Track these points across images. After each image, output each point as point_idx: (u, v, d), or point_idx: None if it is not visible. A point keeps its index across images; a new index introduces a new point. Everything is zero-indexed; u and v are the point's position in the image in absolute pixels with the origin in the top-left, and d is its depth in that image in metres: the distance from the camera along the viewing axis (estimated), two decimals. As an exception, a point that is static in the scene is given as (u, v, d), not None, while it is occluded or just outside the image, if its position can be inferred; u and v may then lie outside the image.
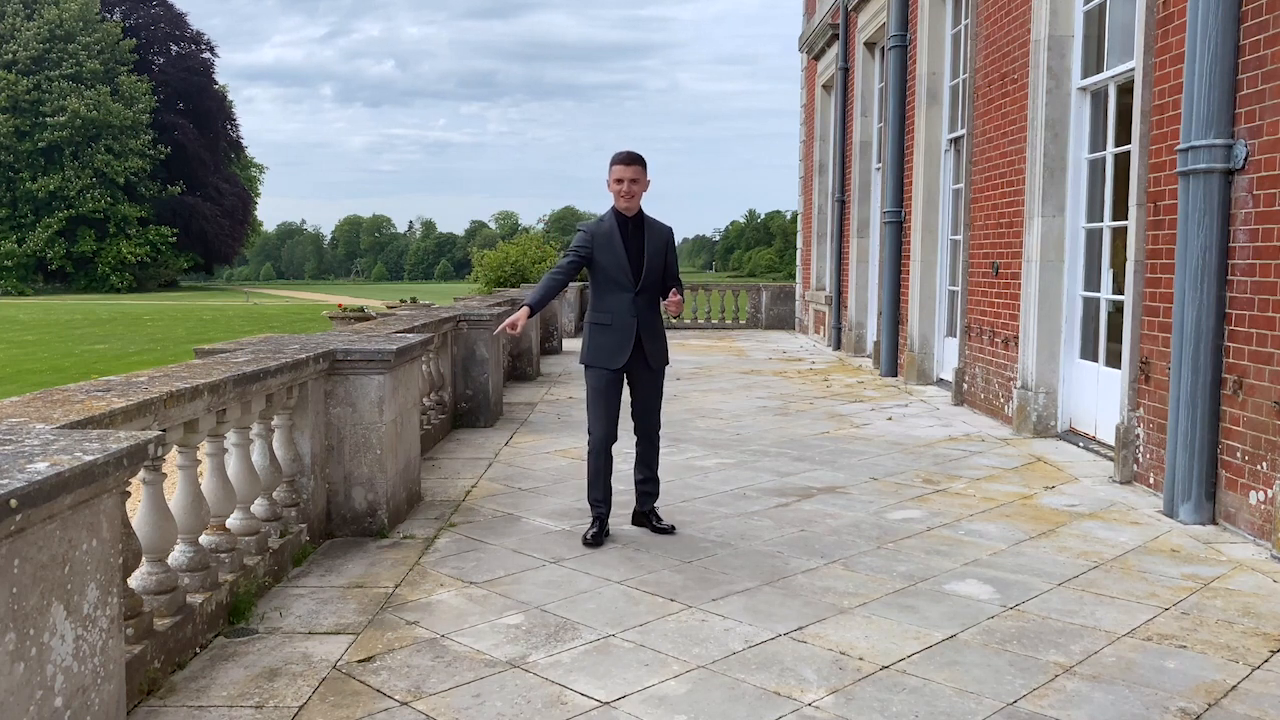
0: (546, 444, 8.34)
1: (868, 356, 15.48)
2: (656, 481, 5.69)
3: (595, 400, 5.41)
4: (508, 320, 5.22)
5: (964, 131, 10.78)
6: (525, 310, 5.25)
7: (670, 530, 5.52)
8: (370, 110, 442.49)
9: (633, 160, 5.38)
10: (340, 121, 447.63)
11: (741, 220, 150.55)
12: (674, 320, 6.28)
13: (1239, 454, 5.60)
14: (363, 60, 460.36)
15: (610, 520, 5.54)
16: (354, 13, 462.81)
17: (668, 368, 5.75)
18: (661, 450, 5.92)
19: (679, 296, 5.47)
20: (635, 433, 5.55)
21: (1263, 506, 5.35)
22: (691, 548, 5.32)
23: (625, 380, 5.50)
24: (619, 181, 5.36)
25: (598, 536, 5.34)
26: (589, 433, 5.45)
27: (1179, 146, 5.91)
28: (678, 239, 5.78)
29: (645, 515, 5.64)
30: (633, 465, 5.68)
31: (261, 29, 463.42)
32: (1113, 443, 7.31)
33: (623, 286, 5.36)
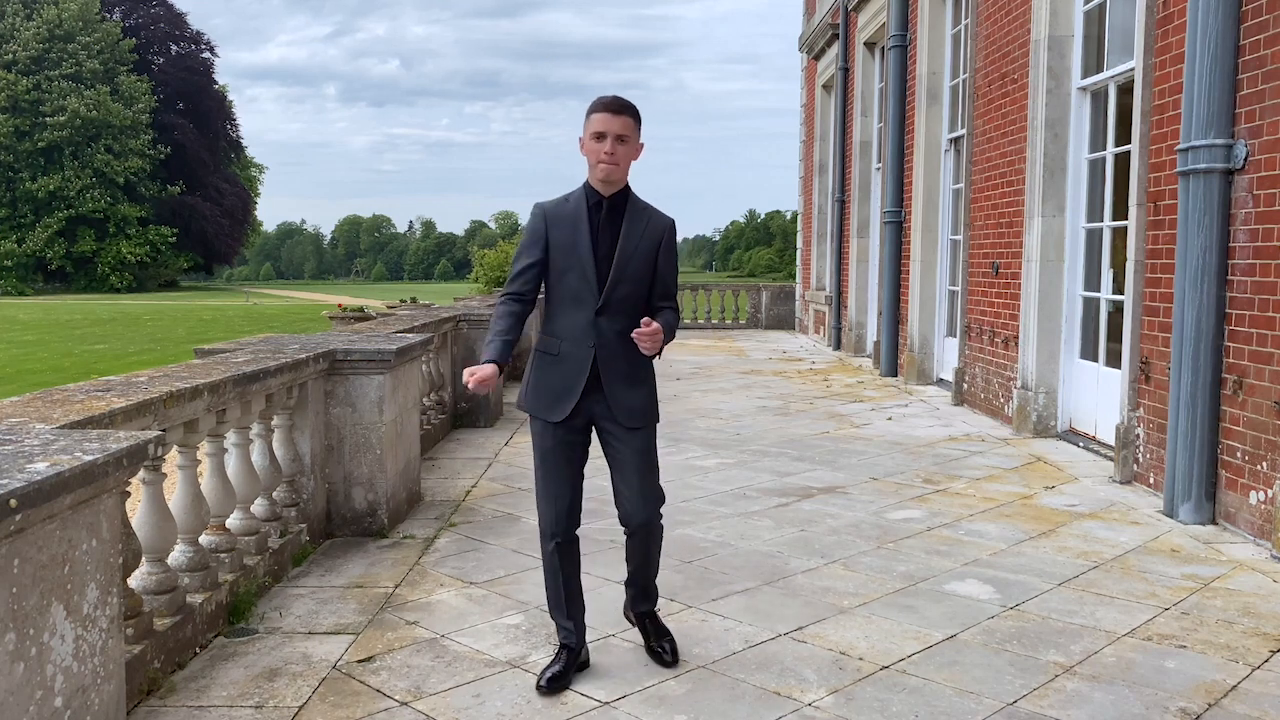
0: (546, 444, 8.33)
1: (868, 356, 15.48)
2: (649, 591, 3.91)
3: (540, 464, 3.69)
4: (477, 376, 3.49)
5: (964, 131, 10.78)
6: (491, 366, 3.55)
7: (672, 659, 3.78)
8: (373, 110, 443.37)
9: (621, 108, 3.56)
10: (343, 121, 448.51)
11: (741, 220, 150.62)
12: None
13: (1239, 454, 5.59)
14: (367, 60, 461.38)
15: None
16: (359, 12, 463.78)
17: (660, 403, 3.92)
18: (662, 450, 4.35)
19: (654, 325, 3.49)
20: (620, 520, 3.78)
21: (1263, 506, 5.35)
22: (691, 548, 5.31)
23: (589, 440, 3.74)
24: (598, 137, 3.53)
25: (557, 679, 3.60)
26: (539, 514, 3.74)
27: (1179, 146, 5.91)
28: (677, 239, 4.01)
29: (640, 622, 3.93)
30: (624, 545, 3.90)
31: (265, 28, 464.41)
32: (1113, 443, 7.31)
33: (580, 301, 3.60)
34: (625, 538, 3.82)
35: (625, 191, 3.67)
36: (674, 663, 3.75)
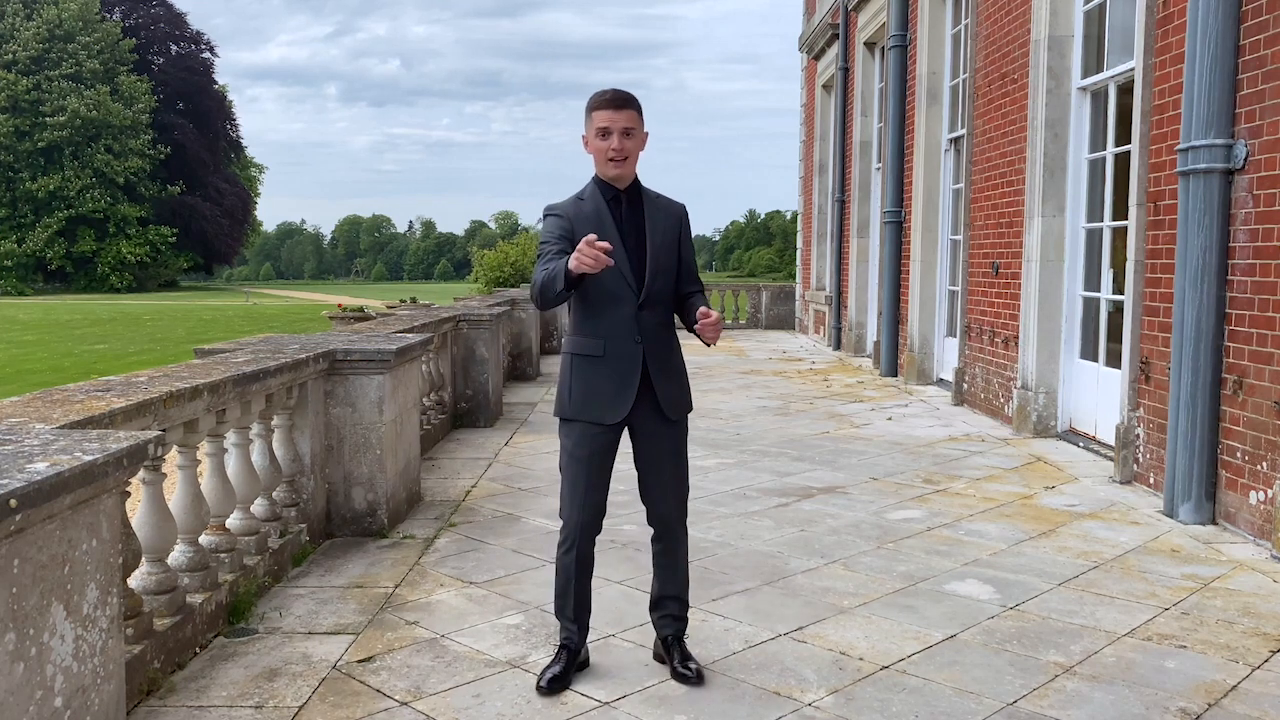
0: (546, 444, 8.34)
1: (868, 356, 15.48)
2: (683, 604, 3.79)
3: (575, 471, 3.60)
4: (597, 247, 3.23)
5: (964, 131, 10.78)
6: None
7: (698, 679, 3.62)
8: (374, 110, 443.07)
9: (624, 103, 3.51)
10: (343, 121, 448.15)
11: (741, 220, 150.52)
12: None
13: (1239, 454, 5.59)
14: (368, 59, 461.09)
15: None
16: (360, 11, 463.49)
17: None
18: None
19: (714, 314, 3.46)
20: (649, 523, 3.77)
21: (1263, 506, 5.35)
22: (691, 548, 5.29)
23: (619, 441, 3.66)
24: (603, 134, 3.50)
25: (558, 680, 3.58)
26: (562, 519, 3.66)
27: (1179, 146, 5.91)
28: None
29: (667, 647, 3.76)
30: (650, 553, 3.83)
31: (266, 28, 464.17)
32: (1113, 443, 7.31)
33: (618, 297, 3.54)
34: (652, 545, 3.76)
35: (637, 182, 3.64)
36: (701, 682, 3.61)
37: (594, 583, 3.81)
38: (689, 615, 3.88)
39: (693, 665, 3.66)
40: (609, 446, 3.61)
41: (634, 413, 3.59)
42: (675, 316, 3.73)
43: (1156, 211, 6.62)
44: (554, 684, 3.56)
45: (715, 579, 4.79)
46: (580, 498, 3.59)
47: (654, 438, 3.63)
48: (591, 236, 3.26)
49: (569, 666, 3.64)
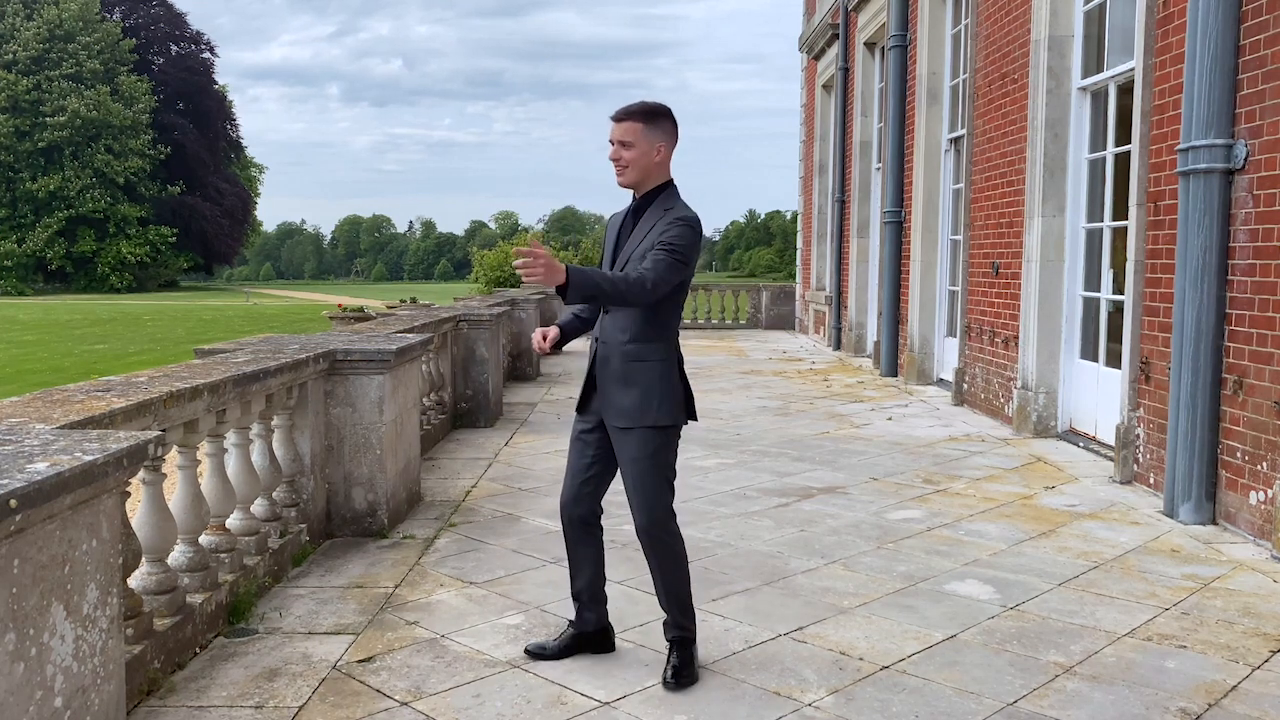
0: (546, 444, 8.34)
1: (868, 356, 15.48)
2: (676, 622, 3.72)
3: (568, 453, 3.86)
4: (541, 335, 3.66)
5: (964, 131, 10.78)
6: (555, 330, 3.72)
7: (671, 682, 3.60)
8: (376, 110, 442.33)
9: (623, 115, 3.60)
10: (345, 121, 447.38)
11: (742, 220, 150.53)
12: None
13: (1239, 454, 5.59)
14: (370, 59, 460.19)
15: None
16: (363, 11, 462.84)
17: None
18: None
19: (539, 250, 3.27)
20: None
21: (1263, 506, 5.35)
22: (691, 548, 5.29)
23: (598, 439, 3.75)
24: (611, 145, 3.67)
25: (539, 648, 3.88)
26: None
27: (1179, 146, 5.92)
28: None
29: (669, 649, 3.74)
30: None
31: (269, 28, 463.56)
32: (1113, 443, 7.31)
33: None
34: None
35: (656, 191, 3.66)
36: (672, 685, 3.58)
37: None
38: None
39: (670, 671, 3.61)
40: (581, 434, 3.78)
41: (602, 413, 3.69)
42: (642, 326, 3.60)
43: (1156, 211, 6.62)
44: (533, 650, 3.86)
45: (715, 579, 4.79)
46: (566, 470, 3.84)
47: (616, 442, 3.66)
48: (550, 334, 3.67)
49: (562, 645, 3.86)
